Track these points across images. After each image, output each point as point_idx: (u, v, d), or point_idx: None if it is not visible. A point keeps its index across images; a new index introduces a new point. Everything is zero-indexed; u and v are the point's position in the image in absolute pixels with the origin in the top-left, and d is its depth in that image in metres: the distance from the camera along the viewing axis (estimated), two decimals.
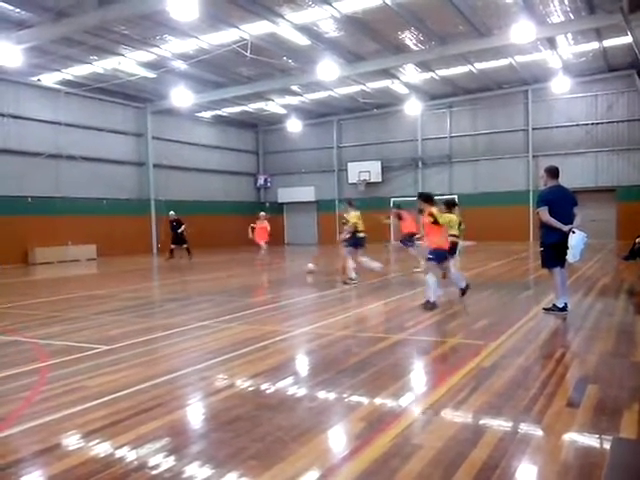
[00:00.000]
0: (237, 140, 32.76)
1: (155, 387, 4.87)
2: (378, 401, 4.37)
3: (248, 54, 18.55)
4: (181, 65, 21.13)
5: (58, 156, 22.65)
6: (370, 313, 8.75)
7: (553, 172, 7.76)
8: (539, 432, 3.70)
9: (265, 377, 5.11)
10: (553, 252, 7.56)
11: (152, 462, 3.36)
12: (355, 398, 4.49)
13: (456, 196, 26.60)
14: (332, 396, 4.57)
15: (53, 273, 17.18)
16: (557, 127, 26.64)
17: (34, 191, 21.63)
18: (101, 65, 20.88)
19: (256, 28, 17.70)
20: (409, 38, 19.69)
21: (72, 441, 3.75)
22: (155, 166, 27.07)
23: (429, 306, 8.45)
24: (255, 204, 33.38)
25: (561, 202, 7.55)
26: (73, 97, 23.18)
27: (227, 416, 4.11)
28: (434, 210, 8.82)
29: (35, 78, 21.69)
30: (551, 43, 20.62)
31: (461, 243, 12.00)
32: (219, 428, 3.90)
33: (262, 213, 20.23)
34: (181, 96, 22.50)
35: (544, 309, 7.96)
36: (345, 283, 11.91)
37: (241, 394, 4.69)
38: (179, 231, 20.25)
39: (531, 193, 26.69)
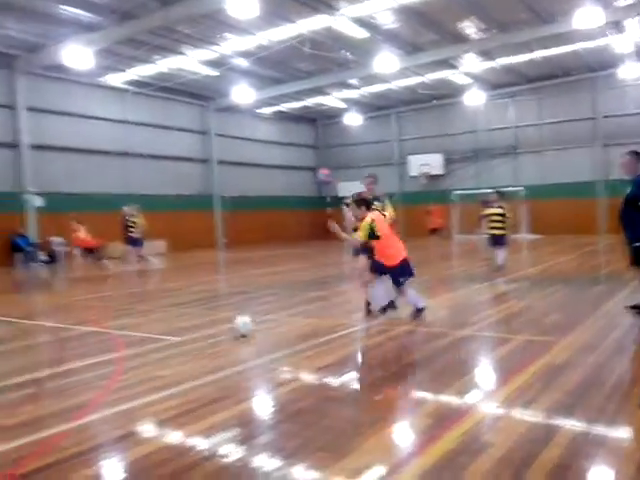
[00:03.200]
0: (297, 135, 33.04)
1: (224, 378, 5.01)
2: (444, 397, 4.34)
3: (306, 49, 18.66)
4: (242, 62, 21.48)
5: (126, 154, 23.55)
6: (433, 308, 8.67)
7: None
8: (613, 433, 3.59)
9: (330, 370, 5.17)
10: None
11: (223, 451, 3.47)
12: (421, 394, 4.48)
13: (522, 187, 25.96)
14: (397, 391, 4.57)
15: (124, 268, 17.87)
16: (630, 115, 25.34)
17: (104, 188, 22.57)
18: (165, 64, 21.51)
19: (313, 23, 17.76)
20: (469, 27, 19.25)
21: (147, 429, 3.93)
22: (219, 162, 27.70)
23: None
24: (316, 199, 33.54)
25: None
26: (139, 96, 24.01)
27: (294, 408, 4.19)
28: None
29: (102, 79, 22.56)
30: (619, 27, 19.65)
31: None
32: (287, 419, 3.99)
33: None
34: (242, 93, 22.90)
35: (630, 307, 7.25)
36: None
37: (307, 386, 4.77)
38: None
39: (601, 184, 25.61)
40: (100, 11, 16.11)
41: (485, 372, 5.28)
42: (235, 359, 5.72)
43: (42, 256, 19.08)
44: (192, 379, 4.96)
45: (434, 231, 22.55)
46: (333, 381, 4.86)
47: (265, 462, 3.30)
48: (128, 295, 11.27)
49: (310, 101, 29.03)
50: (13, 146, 19.91)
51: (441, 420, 3.84)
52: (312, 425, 3.81)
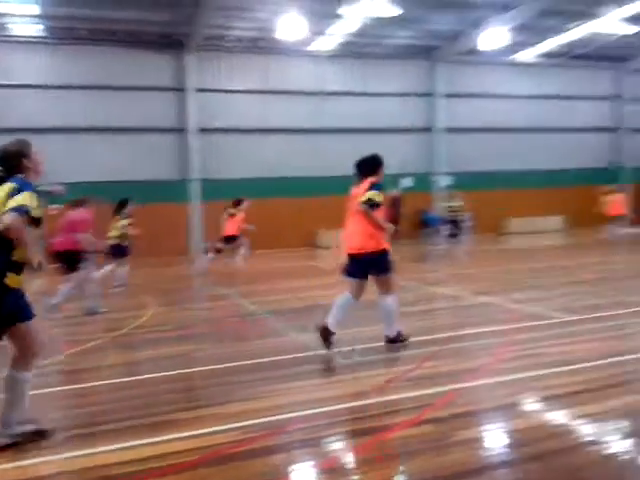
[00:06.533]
0: None
1: (618, 364, 4.67)
2: None
3: None
4: None
5: (535, 130, 23.03)
6: None
7: None
8: None
9: None
10: None
11: (606, 439, 3.30)
12: None
13: None
14: None
15: (522, 243, 17.91)
16: None
17: (508, 166, 22.49)
18: (579, 32, 19.95)
19: None
20: None
21: (529, 403, 4.00)
22: (633, 130, 24.39)
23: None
24: None
25: None
26: (549, 69, 23.06)
27: None
28: None
29: (512, 56, 22.37)
30: None
31: None
32: None
33: None
34: None
35: None
36: None
37: None
38: None
39: None
40: None
41: None
42: (636, 346, 5.26)
43: (445, 230, 20.33)
44: (584, 360, 4.78)
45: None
46: None
47: None
48: (528, 270, 11.26)
49: None
50: (429, 130, 21.80)
51: None
52: None
